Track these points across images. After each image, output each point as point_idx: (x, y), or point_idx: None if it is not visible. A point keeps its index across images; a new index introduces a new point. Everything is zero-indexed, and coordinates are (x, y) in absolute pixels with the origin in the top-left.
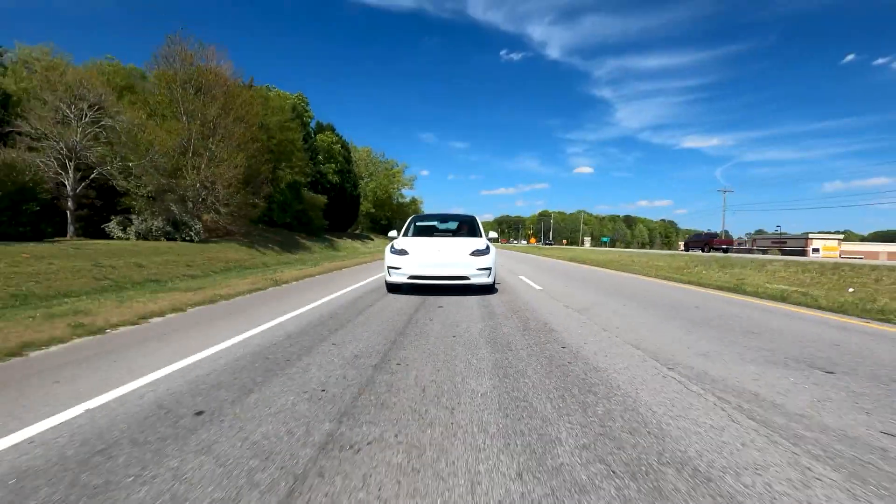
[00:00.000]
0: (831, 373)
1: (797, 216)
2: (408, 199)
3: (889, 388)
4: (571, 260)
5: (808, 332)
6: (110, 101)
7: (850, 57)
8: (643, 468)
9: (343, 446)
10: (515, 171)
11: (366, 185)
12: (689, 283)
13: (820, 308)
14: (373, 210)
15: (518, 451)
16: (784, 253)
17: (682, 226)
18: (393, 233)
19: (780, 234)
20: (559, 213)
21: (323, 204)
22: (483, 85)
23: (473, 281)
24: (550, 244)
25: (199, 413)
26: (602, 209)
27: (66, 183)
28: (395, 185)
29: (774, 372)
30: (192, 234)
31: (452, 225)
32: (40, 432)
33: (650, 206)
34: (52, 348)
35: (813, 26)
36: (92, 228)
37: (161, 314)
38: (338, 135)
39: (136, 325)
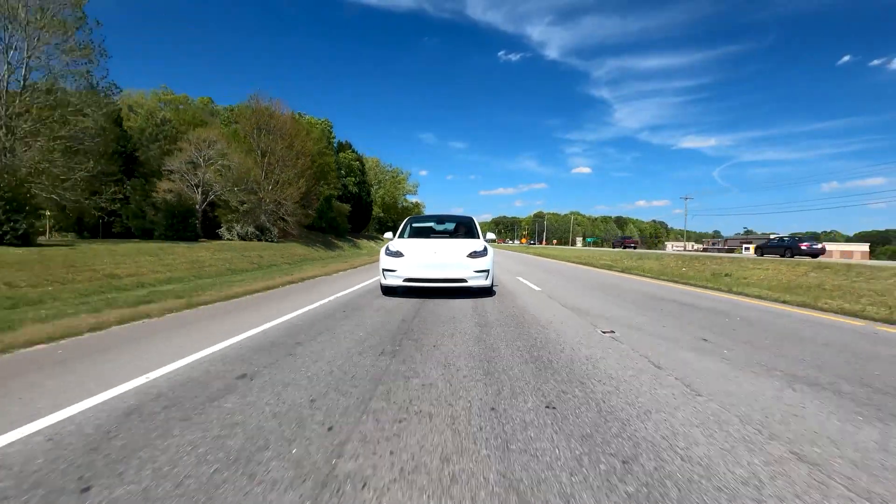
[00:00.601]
0: (549, 272)
1: (792, 217)
2: (411, 203)
3: (583, 280)
4: (536, 255)
5: (586, 273)
6: (224, 147)
7: (847, 58)
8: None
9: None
10: (514, 172)
11: (375, 192)
12: (591, 265)
13: (634, 272)
14: (381, 214)
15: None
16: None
17: (678, 226)
18: (389, 234)
19: (746, 235)
20: (553, 214)
21: (347, 211)
22: (482, 85)
23: (471, 283)
24: (532, 244)
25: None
26: (601, 209)
27: (197, 203)
28: (401, 191)
29: (546, 276)
30: (272, 236)
31: (449, 226)
32: (322, 302)
33: (648, 206)
34: (288, 286)
35: (810, 28)
36: (206, 232)
37: (315, 277)
38: (354, 151)
39: (315, 278)
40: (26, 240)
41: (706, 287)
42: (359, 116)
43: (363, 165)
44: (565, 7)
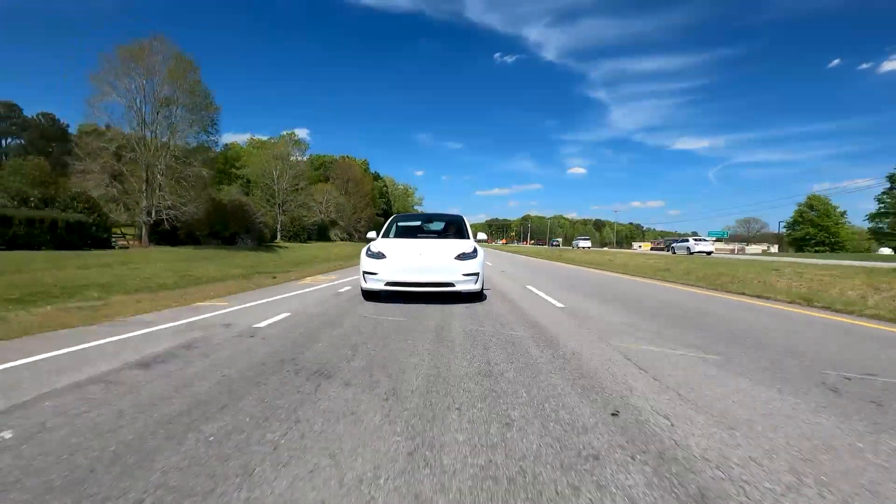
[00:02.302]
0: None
1: (783, 215)
2: (417, 211)
3: (509, 257)
4: (504, 250)
5: (510, 256)
6: (337, 193)
7: (836, 61)
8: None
9: None
10: (510, 172)
11: (393, 205)
12: (518, 252)
13: (546, 257)
14: None
15: None
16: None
17: (659, 227)
18: (372, 234)
19: (680, 235)
20: (538, 217)
21: (382, 223)
22: (479, 86)
23: (459, 288)
24: (507, 244)
25: None
26: (596, 210)
27: (328, 224)
28: (409, 203)
29: (496, 260)
30: (355, 238)
31: (438, 226)
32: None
33: (643, 207)
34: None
35: (801, 31)
36: (321, 237)
37: None
38: (383, 179)
39: None
40: (304, 240)
41: (541, 256)
42: (356, 117)
43: (387, 188)
44: (563, 9)
